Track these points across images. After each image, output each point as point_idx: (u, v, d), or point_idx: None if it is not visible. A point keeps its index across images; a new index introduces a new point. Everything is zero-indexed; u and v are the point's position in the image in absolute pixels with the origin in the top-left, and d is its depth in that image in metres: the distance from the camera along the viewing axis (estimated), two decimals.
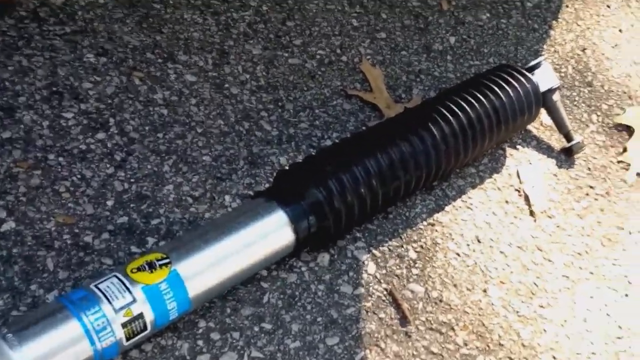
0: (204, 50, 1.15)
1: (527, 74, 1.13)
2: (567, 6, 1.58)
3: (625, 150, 1.28)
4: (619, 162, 1.26)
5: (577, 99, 1.36)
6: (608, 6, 1.63)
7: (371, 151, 0.93)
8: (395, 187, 0.95)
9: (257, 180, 1.00)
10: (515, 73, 1.12)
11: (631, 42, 1.56)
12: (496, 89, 1.08)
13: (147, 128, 1.01)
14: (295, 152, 1.05)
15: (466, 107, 1.03)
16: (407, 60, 1.29)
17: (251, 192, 0.98)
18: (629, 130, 1.33)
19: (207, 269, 0.78)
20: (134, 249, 0.86)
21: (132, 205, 0.91)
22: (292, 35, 1.24)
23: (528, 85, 1.12)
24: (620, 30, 1.58)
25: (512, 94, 1.09)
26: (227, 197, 0.96)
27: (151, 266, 0.75)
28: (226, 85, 1.12)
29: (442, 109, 1.01)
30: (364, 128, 1.13)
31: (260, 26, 1.23)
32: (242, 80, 1.13)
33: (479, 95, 1.06)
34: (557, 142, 1.24)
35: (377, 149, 0.94)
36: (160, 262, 0.75)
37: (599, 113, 1.35)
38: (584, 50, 1.48)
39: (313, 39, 1.26)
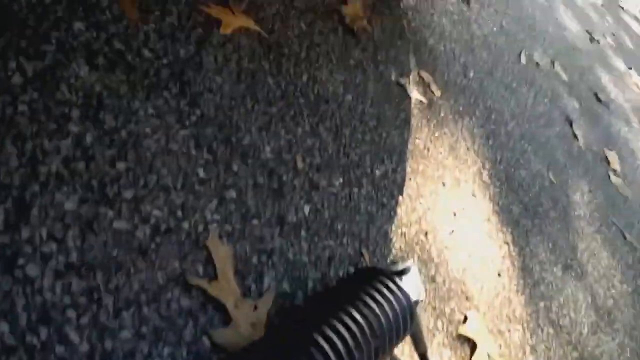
0: None
1: (402, 286, 0.97)
2: (410, 179, 1.50)
3: None
4: None
5: (423, 299, 1.24)
6: (443, 184, 1.59)
7: None
8: None
9: None
10: (391, 285, 0.96)
11: (464, 229, 1.53)
12: (375, 306, 0.90)
13: None
14: None
15: (345, 333, 0.83)
16: (258, 233, 1.06)
17: None
18: (470, 342, 1.24)
19: None
20: None
21: None
22: (122, 184, 0.93)
23: (404, 302, 0.96)
24: (454, 214, 1.54)
25: (390, 313, 0.92)
26: None
27: None
28: (21, 261, 0.76)
29: (323, 332, 0.80)
30: (207, 342, 0.85)
31: (80, 165, 0.90)
32: (45, 254, 0.78)
33: (357, 314, 0.86)
34: (408, 357, 1.10)
35: None
36: None
37: (443, 319, 1.24)
38: (426, 234, 1.40)
39: (149, 192, 0.95)
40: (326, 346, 0.79)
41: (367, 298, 0.91)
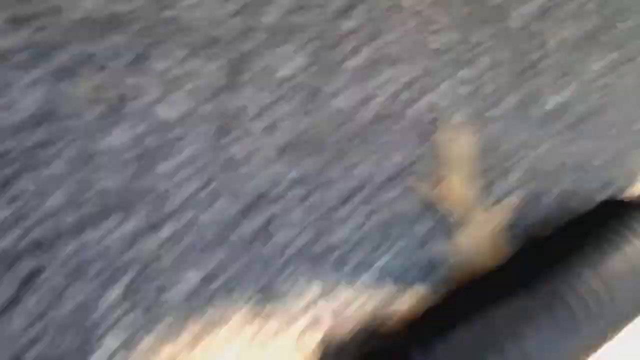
0: None
1: None
2: None
3: None
4: None
5: None
6: None
7: None
8: None
9: None
10: None
11: None
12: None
13: None
14: (331, 278, 0.64)
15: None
16: (501, 123, 0.88)
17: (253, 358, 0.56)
18: None
19: None
20: None
21: None
22: (345, 50, 0.80)
23: None
24: None
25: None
26: None
27: None
28: (232, 134, 0.68)
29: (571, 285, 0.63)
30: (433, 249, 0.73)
31: (299, 19, 0.78)
32: (258, 130, 0.70)
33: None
34: None
35: None
36: None
37: None
38: None
39: (375, 61, 0.82)
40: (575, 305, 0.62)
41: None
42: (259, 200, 0.64)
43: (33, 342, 0.49)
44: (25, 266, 0.50)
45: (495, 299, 0.61)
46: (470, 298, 0.66)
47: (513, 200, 0.81)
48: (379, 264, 0.68)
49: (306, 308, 0.61)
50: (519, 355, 0.57)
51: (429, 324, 0.60)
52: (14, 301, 0.49)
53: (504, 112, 0.88)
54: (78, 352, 0.50)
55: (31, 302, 0.49)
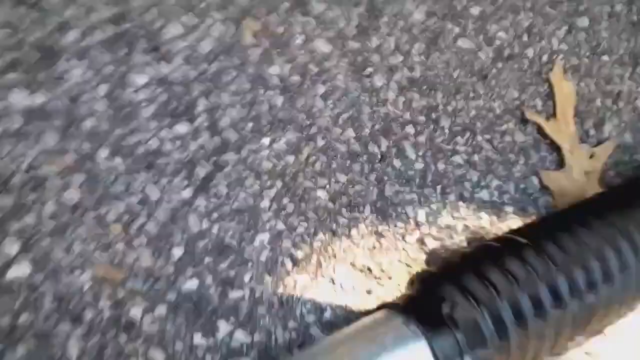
0: None
1: None
2: None
3: None
4: None
5: None
6: None
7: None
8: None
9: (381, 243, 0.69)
10: None
11: None
12: None
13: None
14: (439, 204, 0.73)
15: None
16: (607, 71, 0.92)
17: (369, 266, 0.67)
18: None
19: None
20: (197, 339, 0.58)
21: (207, 260, 0.61)
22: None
23: None
24: None
25: None
26: (340, 271, 0.66)
27: None
28: (369, 70, 0.76)
29: None
30: (536, 182, 0.80)
31: None
32: (391, 66, 0.77)
33: None
34: None
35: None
36: None
37: None
38: None
39: (496, 9, 0.87)
40: None
41: None
42: (387, 125, 0.73)
43: (204, 232, 0.61)
44: (200, 172, 0.62)
45: (596, 217, 0.68)
46: (572, 216, 0.72)
47: (608, 146, 0.87)
48: (480, 195, 0.76)
49: (413, 230, 0.71)
50: (617, 263, 0.64)
51: (540, 229, 0.66)
52: (190, 201, 0.61)
53: (612, 61, 0.91)
54: (236, 249, 0.62)
55: (203, 201, 0.61)
